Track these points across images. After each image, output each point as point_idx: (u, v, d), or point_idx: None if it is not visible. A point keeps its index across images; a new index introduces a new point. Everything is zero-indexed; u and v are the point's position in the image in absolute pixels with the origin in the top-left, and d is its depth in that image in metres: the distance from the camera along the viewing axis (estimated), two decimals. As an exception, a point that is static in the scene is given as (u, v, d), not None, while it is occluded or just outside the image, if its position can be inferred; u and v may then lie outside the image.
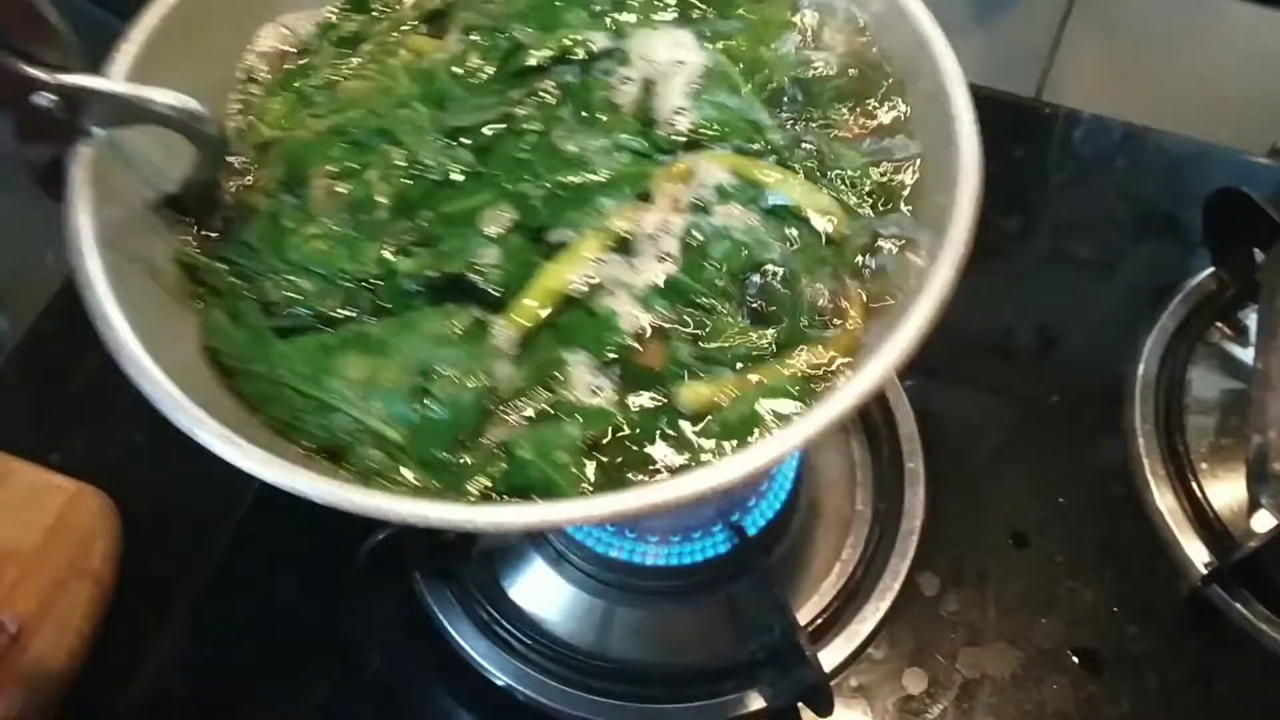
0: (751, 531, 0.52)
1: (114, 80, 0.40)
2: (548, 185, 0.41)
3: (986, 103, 0.71)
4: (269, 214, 0.42)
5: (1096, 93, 0.77)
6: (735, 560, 0.53)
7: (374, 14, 0.48)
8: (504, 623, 0.53)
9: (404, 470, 0.37)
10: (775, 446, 0.34)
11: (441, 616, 0.53)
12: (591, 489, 0.36)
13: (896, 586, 0.54)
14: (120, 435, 0.62)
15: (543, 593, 0.55)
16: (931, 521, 0.56)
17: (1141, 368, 0.62)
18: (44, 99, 0.36)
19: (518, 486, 0.36)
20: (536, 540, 0.55)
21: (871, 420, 0.59)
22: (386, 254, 0.40)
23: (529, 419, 0.38)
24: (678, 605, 0.54)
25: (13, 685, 0.51)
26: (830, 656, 0.52)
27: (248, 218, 0.42)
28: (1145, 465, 0.59)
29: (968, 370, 0.63)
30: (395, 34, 0.47)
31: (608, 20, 0.46)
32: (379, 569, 0.53)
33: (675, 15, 0.46)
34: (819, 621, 0.53)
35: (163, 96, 0.39)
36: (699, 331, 0.39)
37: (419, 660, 0.54)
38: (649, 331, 0.39)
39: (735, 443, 0.36)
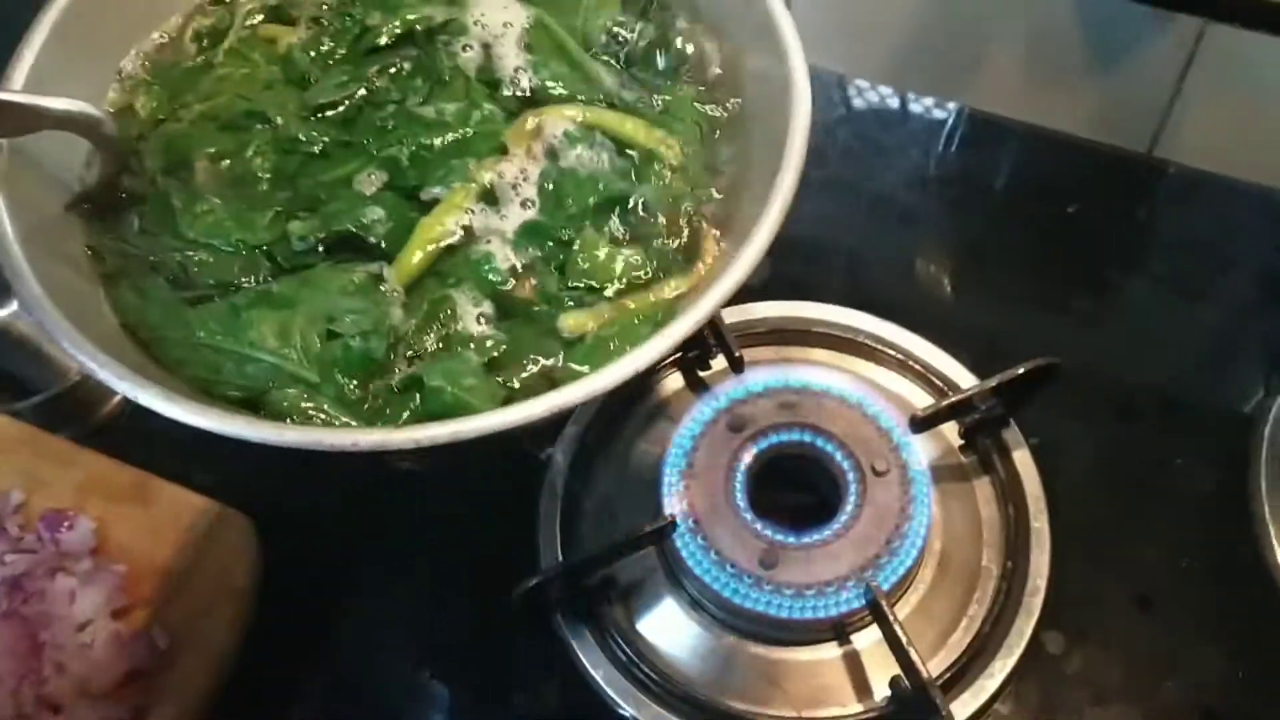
0: (885, 587, 0.54)
1: (12, 92, 0.43)
2: (412, 148, 0.46)
3: (1099, 158, 0.73)
4: (158, 198, 0.46)
5: (1214, 149, 0.77)
6: (868, 614, 0.55)
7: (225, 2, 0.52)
8: (639, 664, 0.55)
9: (327, 409, 0.41)
10: (632, 362, 0.38)
11: (581, 656, 0.56)
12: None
13: (1022, 644, 0.55)
14: (259, 458, 0.65)
15: (677, 636, 0.57)
16: (1057, 581, 0.57)
17: (1267, 430, 0.63)
18: None
19: (435, 414, 0.40)
20: (673, 586, 0.57)
21: (998, 479, 0.60)
22: (276, 221, 0.44)
23: (430, 354, 0.42)
24: (808, 655, 0.56)
25: (163, 701, 0.54)
26: (958, 711, 0.53)
27: (141, 206, 0.46)
28: (1270, 529, 0.59)
29: (1092, 431, 0.63)
30: (248, 25, 0.51)
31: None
32: (525, 612, 0.55)
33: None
34: (947, 675, 0.55)
35: (59, 103, 0.42)
36: (563, 263, 0.44)
37: (559, 697, 0.56)
38: (520, 269, 0.44)
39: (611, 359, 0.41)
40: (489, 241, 0.45)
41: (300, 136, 0.47)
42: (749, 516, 0.55)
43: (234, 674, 0.57)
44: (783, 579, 0.53)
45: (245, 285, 0.44)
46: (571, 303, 0.44)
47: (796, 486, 0.58)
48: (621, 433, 0.61)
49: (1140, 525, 0.61)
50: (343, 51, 0.50)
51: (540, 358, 0.43)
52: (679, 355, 0.62)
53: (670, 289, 0.44)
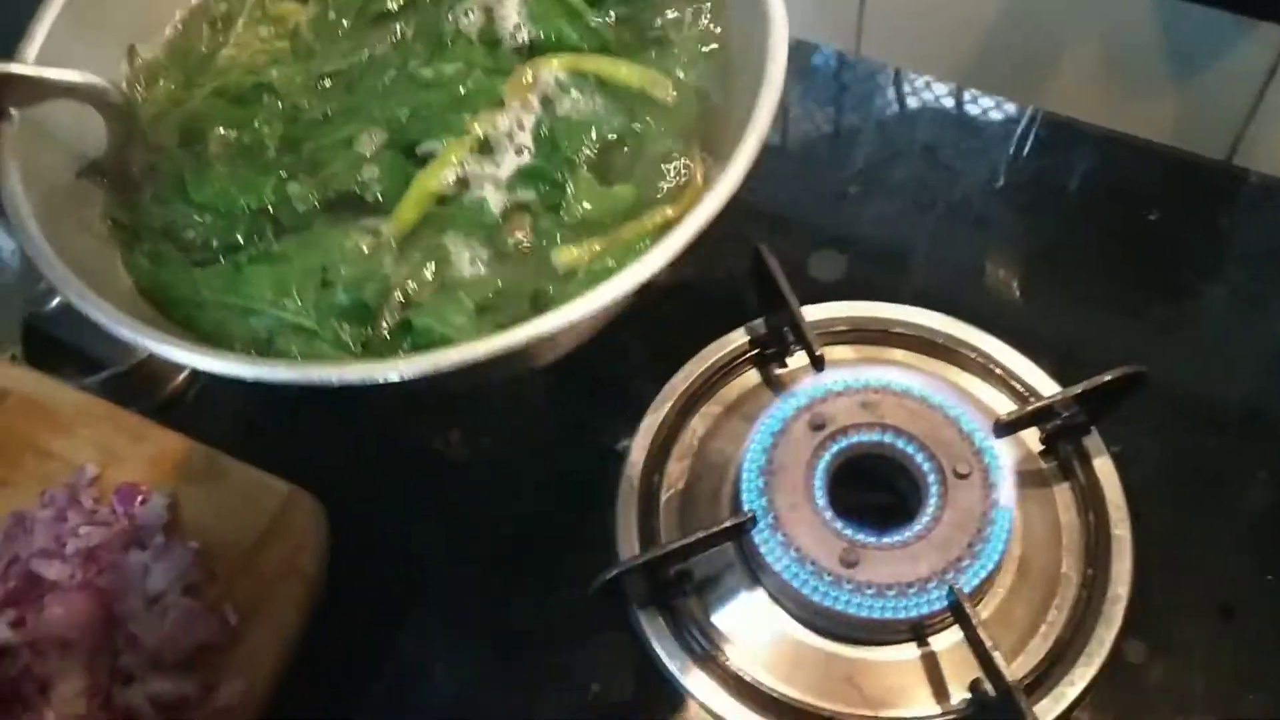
0: (967, 589, 0.53)
1: (20, 64, 0.45)
2: (411, 107, 0.48)
3: (1176, 165, 0.72)
4: (170, 169, 0.48)
5: (1295, 159, 0.76)
6: (948, 616, 0.54)
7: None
8: (714, 656, 0.55)
9: (326, 353, 0.43)
10: (620, 283, 0.39)
11: (656, 646, 0.55)
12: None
13: (1104, 652, 0.54)
14: (326, 441, 0.65)
15: (752, 630, 0.56)
16: (1138, 589, 0.56)
17: (1353, 443, 0.62)
18: None
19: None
20: (750, 581, 0.57)
21: (1078, 485, 0.60)
22: (280, 184, 0.47)
23: (425, 299, 0.44)
24: (885, 655, 0.56)
25: (232, 677, 0.54)
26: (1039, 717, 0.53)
27: (155, 177, 0.48)
28: (1354, 541, 0.58)
29: (1174, 440, 0.63)
30: (260, 8, 0.53)
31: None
32: (601, 603, 0.55)
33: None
34: (1027, 681, 0.54)
35: (66, 75, 0.45)
36: (559, 204, 0.45)
37: (634, 687, 0.56)
38: (514, 212, 0.46)
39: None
40: (483, 189, 0.46)
41: (304, 104, 0.49)
42: (829, 515, 0.54)
43: (301, 656, 0.57)
44: (864, 578, 0.53)
45: (249, 247, 0.46)
46: (564, 241, 0.45)
47: (874, 486, 0.57)
48: (695, 427, 0.61)
49: (1223, 536, 0.60)
50: (348, 23, 0.52)
51: (533, 294, 0.44)
52: (755, 351, 0.62)
53: (661, 217, 0.45)
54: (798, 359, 0.62)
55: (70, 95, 0.45)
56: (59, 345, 0.67)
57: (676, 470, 0.59)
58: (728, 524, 0.53)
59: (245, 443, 0.62)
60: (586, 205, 0.46)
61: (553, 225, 0.46)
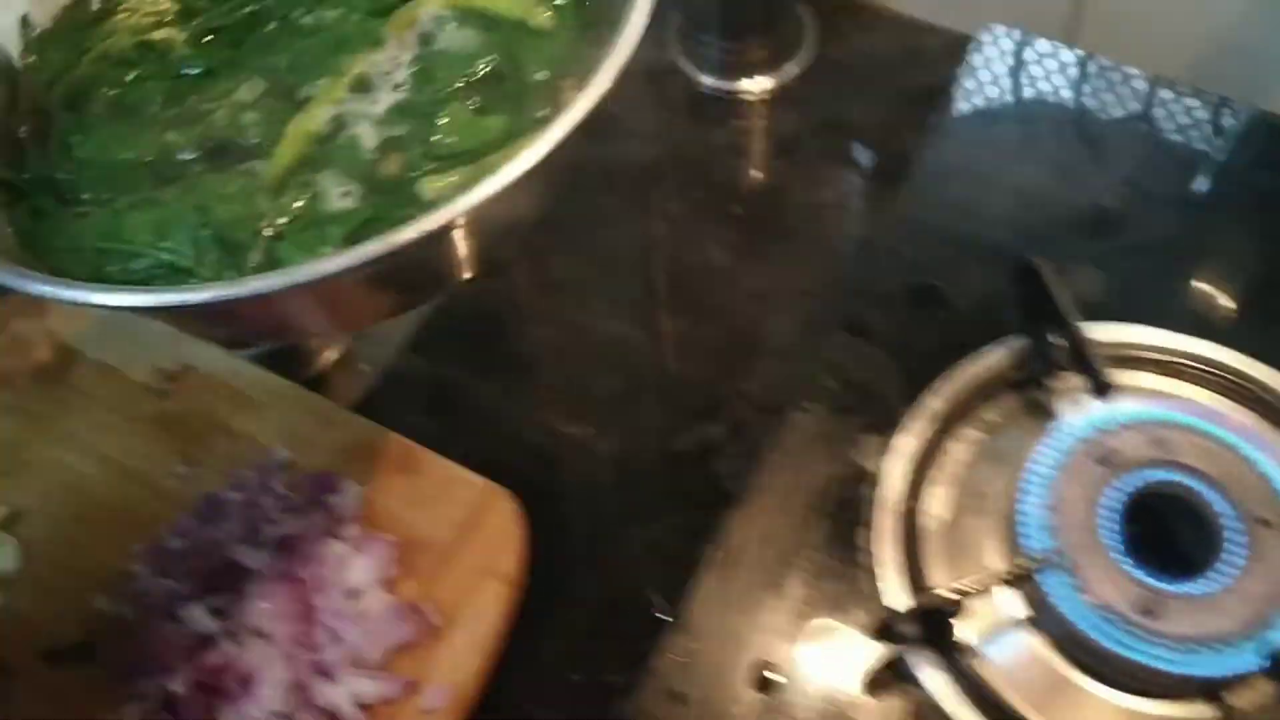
0: (1285, 657, 0.47)
1: None
2: (292, 54, 0.49)
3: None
4: (55, 130, 0.49)
5: None
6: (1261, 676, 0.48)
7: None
8: (986, 694, 0.50)
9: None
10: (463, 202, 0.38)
11: (925, 679, 0.50)
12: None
13: None
14: (520, 437, 0.62)
15: (1028, 672, 0.51)
16: None
17: None
18: None
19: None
20: (1030, 623, 0.51)
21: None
22: (159, 136, 0.47)
23: (293, 232, 0.44)
24: (1174, 710, 0.50)
25: (435, 677, 0.51)
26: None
27: (40, 138, 0.49)
28: None
29: None
30: None
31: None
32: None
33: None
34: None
35: None
36: (433, 137, 0.46)
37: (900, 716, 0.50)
38: (387, 146, 0.46)
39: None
40: (359, 126, 0.47)
41: (187, 61, 0.50)
42: (1123, 559, 0.48)
43: (502, 661, 0.53)
44: (1166, 630, 0.47)
45: (129, 195, 0.47)
46: (434, 172, 0.45)
47: (1159, 529, 0.52)
48: (954, 452, 0.56)
49: None
50: None
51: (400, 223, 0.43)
52: (1018, 373, 0.56)
53: (528, 144, 0.43)
54: (1065, 383, 0.56)
55: None
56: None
57: (937, 499, 0.53)
58: (1016, 566, 0.47)
59: (441, 438, 0.59)
60: (455, 137, 0.46)
61: (421, 157, 0.46)
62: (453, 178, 0.45)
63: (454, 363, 0.65)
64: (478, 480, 0.58)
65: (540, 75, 0.48)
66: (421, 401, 0.64)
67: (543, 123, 0.42)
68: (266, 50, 0.50)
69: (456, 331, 0.66)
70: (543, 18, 0.49)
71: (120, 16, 0.53)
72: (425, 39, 0.49)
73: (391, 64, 0.48)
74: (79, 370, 0.63)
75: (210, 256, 0.44)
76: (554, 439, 0.62)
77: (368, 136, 0.47)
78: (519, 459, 0.60)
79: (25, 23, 0.53)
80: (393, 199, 0.45)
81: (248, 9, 0.51)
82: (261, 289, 0.38)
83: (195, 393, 0.62)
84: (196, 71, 0.50)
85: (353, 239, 0.43)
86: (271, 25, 0.51)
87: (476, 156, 0.45)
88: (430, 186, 0.45)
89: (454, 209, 0.39)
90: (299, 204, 0.45)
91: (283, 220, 0.45)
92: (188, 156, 0.48)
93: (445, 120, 0.47)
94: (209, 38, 0.51)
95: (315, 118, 0.47)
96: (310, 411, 0.61)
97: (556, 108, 0.45)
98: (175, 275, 0.44)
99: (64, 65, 0.52)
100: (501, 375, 0.65)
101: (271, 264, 0.43)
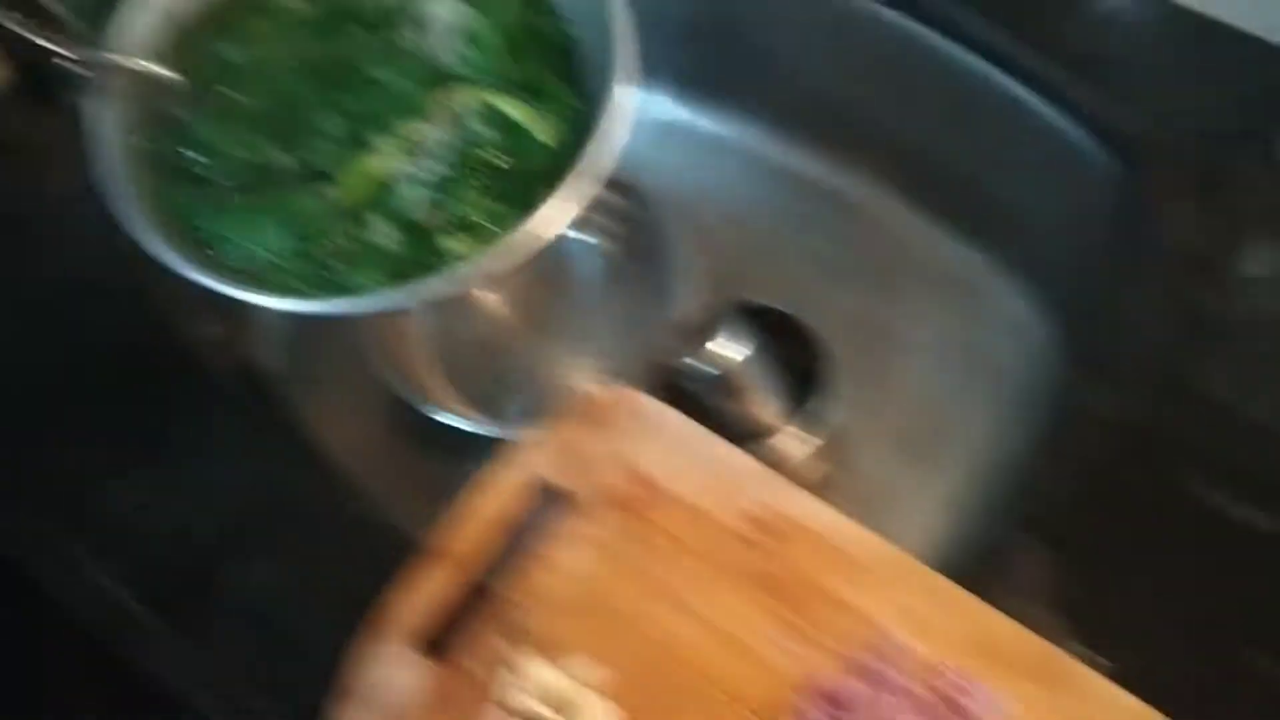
0: None
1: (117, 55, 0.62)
2: (364, 102, 0.64)
3: None
4: (195, 120, 0.65)
5: None
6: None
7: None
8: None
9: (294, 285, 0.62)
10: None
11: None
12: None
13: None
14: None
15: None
16: None
17: None
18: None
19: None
20: None
21: None
22: (266, 147, 0.64)
23: (352, 256, 0.62)
24: None
25: None
26: None
27: (184, 120, 0.65)
28: None
29: None
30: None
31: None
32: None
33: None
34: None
35: (151, 66, 0.64)
36: (455, 204, 0.63)
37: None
38: (423, 205, 0.63)
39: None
40: (406, 181, 0.63)
41: (288, 81, 0.65)
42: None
43: None
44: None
45: (247, 192, 0.64)
46: (455, 230, 0.63)
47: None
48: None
49: None
50: (327, 16, 0.67)
51: (432, 269, 0.61)
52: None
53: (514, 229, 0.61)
54: None
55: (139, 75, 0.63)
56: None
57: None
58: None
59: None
60: (469, 209, 0.63)
61: (445, 220, 0.63)
62: (466, 240, 0.62)
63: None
64: (1136, 705, 0.47)
65: (535, 174, 0.64)
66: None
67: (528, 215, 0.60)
68: (345, 91, 0.65)
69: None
70: (545, 134, 0.65)
71: (246, 25, 0.68)
72: (458, 122, 0.64)
73: (434, 136, 0.64)
74: (660, 506, 0.58)
75: (297, 262, 0.62)
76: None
77: (409, 194, 0.63)
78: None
79: (169, 19, 0.67)
80: (426, 249, 0.63)
81: (339, 47, 0.67)
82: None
83: (793, 548, 0.55)
84: (293, 93, 0.65)
85: (398, 275, 0.61)
86: (355, 66, 0.66)
87: (484, 229, 0.63)
88: (449, 244, 0.62)
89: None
90: (358, 235, 0.63)
91: (344, 244, 0.63)
92: (285, 169, 0.64)
93: (465, 192, 0.64)
94: (307, 66, 0.66)
95: (378, 166, 0.63)
96: (926, 589, 0.53)
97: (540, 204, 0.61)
98: (274, 271, 0.62)
99: (193, 57, 0.66)
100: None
101: (336, 281, 0.62)
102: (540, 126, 0.64)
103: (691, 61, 0.94)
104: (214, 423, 0.72)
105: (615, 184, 0.87)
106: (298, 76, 0.66)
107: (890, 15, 0.82)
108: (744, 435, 0.71)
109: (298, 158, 0.64)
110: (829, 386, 0.73)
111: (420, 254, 0.62)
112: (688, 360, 0.73)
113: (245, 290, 0.59)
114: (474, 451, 0.68)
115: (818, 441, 0.72)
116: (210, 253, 0.62)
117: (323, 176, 0.63)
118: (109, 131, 0.62)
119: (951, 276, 0.88)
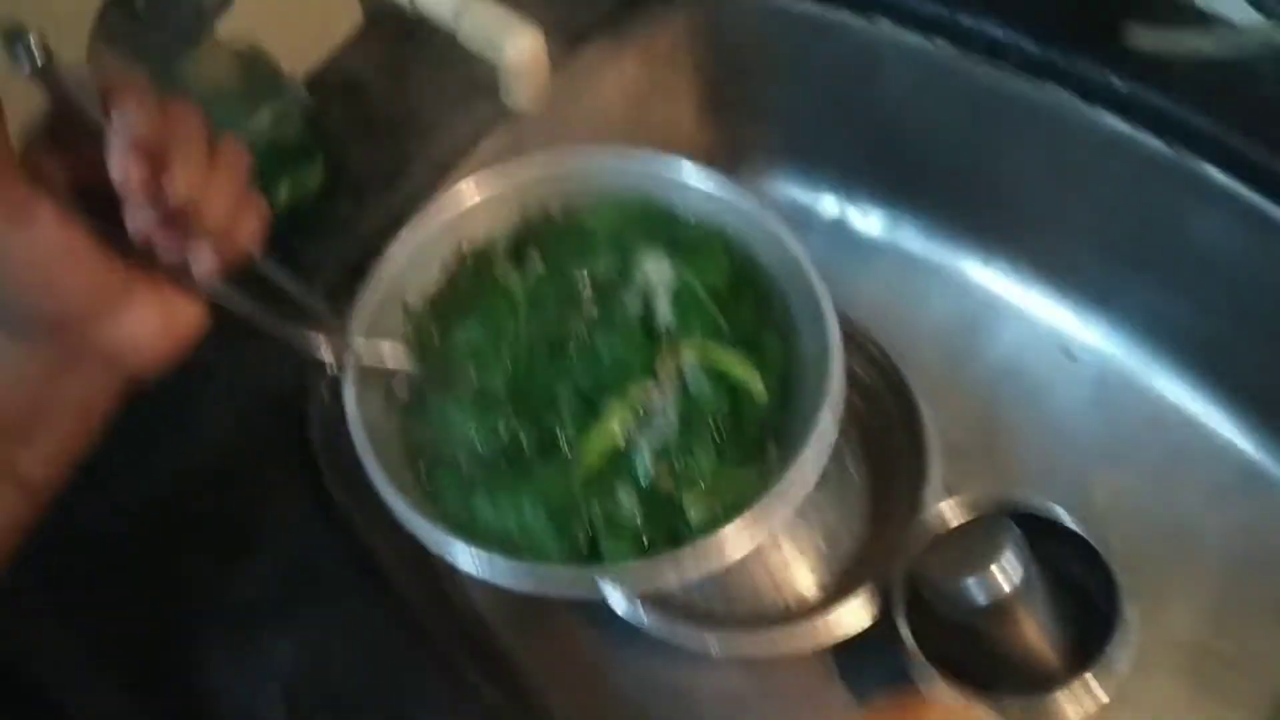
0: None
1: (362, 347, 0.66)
2: (592, 373, 0.68)
3: None
4: (436, 401, 0.69)
5: None
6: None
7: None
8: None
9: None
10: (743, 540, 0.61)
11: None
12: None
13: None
14: None
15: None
16: None
17: None
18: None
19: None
20: None
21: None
22: (507, 425, 0.67)
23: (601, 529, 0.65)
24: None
25: None
26: None
27: (425, 401, 0.69)
28: None
29: None
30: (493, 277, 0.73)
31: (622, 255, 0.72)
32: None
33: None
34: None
35: (389, 358, 0.67)
36: (689, 462, 0.66)
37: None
38: (660, 467, 0.66)
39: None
40: (639, 448, 0.66)
41: (522, 358, 0.69)
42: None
43: None
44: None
45: (489, 470, 0.67)
46: (689, 494, 0.65)
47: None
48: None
49: None
50: (554, 294, 0.71)
51: (675, 537, 0.64)
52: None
53: (756, 488, 0.63)
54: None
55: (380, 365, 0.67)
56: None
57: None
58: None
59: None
60: (705, 469, 0.66)
61: (684, 483, 0.66)
62: (703, 502, 0.64)
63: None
64: None
65: (754, 428, 0.68)
66: None
67: (757, 469, 0.65)
68: (575, 364, 0.68)
69: None
70: (759, 390, 0.68)
71: (473, 301, 0.72)
72: (682, 380, 0.67)
73: (661, 398, 0.67)
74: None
75: (550, 538, 0.64)
76: None
77: (646, 459, 0.66)
78: None
79: (406, 307, 0.72)
80: (664, 514, 0.65)
81: (565, 323, 0.70)
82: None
83: None
84: (527, 370, 0.69)
85: (641, 541, 0.64)
86: (579, 340, 0.69)
87: (721, 490, 0.65)
88: (695, 513, 0.64)
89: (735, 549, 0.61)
90: (603, 506, 0.65)
91: (593, 516, 0.65)
92: (525, 445, 0.67)
93: (695, 451, 0.66)
94: (538, 343, 0.70)
95: (611, 434, 0.66)
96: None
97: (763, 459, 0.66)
98: (520, 547, 0.64)
99: (429, 340, 0.71)
100: None
101: (595, 554, 0.64)
102: (756, 378, 0.68)
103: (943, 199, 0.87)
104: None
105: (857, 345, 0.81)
106: (528, 351, 0.69)
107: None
108: (1015, 683, 0.64)
109: (537, 432, 0.67)
110: (1119, 625, 0.64)
111: (660, 517, 0.64)
112: (946, 580, 0.66)
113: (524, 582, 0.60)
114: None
115: (1104, 699, 0.63)
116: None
117: (560, 448, 0.66)
118: (360, 418, 0.64)
119: (1246, 468, 0.77)
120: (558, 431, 0.66)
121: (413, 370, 0.68)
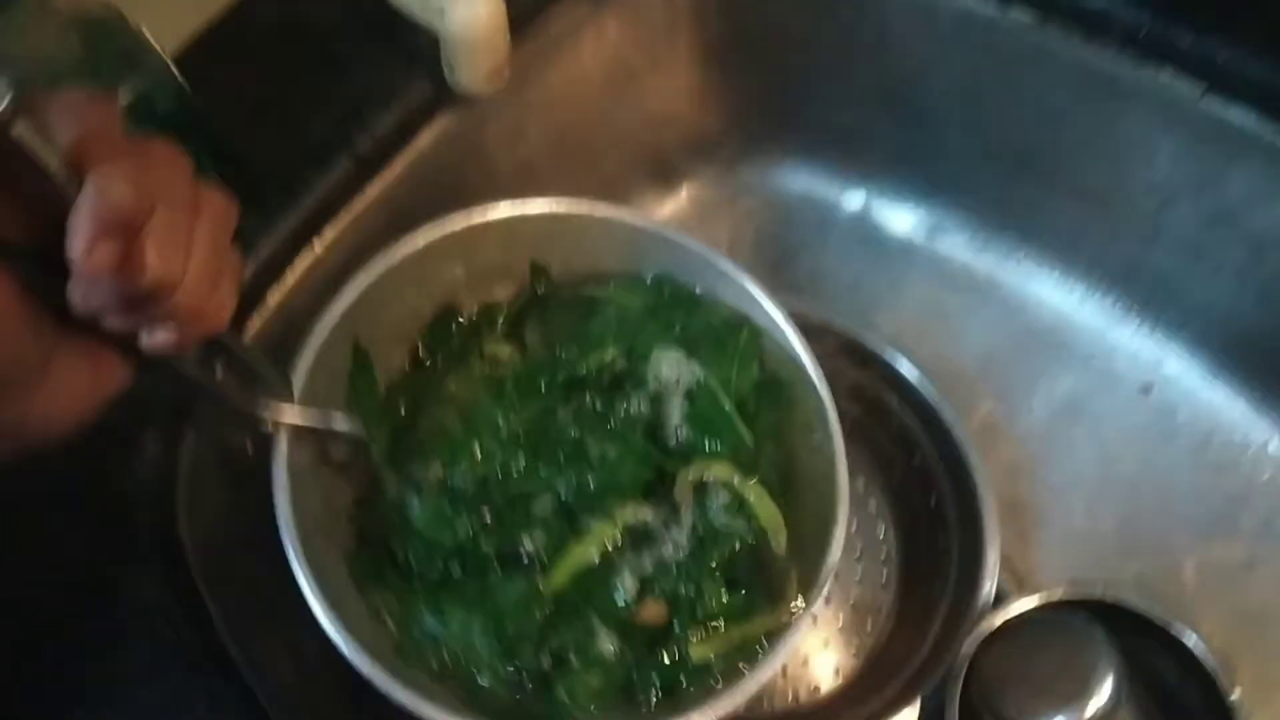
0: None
1: (300, 414, 0.53)
2: (578, 480, 0.57)
3: None
4: (396, 498, 0.57)
5: None
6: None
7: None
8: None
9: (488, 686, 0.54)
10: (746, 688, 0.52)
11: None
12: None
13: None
14: None
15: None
16: None
17: None
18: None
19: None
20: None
21: None
22: (470, 529, 0.56)
23: (566, 663, 0.54)
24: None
25: None
26: None
27: (380, 493, 0.58)
28: None
29: None
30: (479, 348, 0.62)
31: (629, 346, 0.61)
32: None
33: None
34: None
35: (340, 424, 0.55)
36: (693, 600, 0.55)
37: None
38: (648, 600, 0.55)
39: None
40: (623, 574, 0.56)
41: (498, 454, 0.57)
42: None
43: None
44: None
45: (446, 581, 0.56)
46: (695, 635, 0.55)
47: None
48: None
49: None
50: (545, 382, 0.60)
51: (664, 682, 0.54)
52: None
53: (763, 626, 0.55)
54: None
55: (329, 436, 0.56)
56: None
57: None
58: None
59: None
60: (714, 606, 0.56)
61: (686, 619, 0.55)
62: (712, 646, 0.55)
63: None
64: None
65: (771, 564, 0.58)
66: None
67: (773, 605, 0.56)
68: (558, 466, 0.57)
69: None
70: (779, 541, 0.58)
71: (449, 383, 0.60)
72: (701, 505, 0.58)
73: (670, 521, 0.57)
74: None
75: (498, 663, 0.54)
76: None
77: (628, 587, 0.56)
78: None
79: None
80: (656, 654, 0.55)
81: (553, 418, 0.59)
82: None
83: None
84: (503, 467, 0.57)
85: (622, 687, 0.54)
86: (568, 441, 0.58)
87: (726, 628, 0.56)
88: (699, 652, 0.55)
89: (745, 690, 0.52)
90: (571, 636, 0.55)
91: (557, 645, 0.55)
92: (487, 554, 0.56)
93: (709, 590, 0.56)
94: (519, 437, 0.58)
95: (588, 553, 0.56)
96: None
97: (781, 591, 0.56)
98: (461, 670, 0.54)
99: (395, 422, 0.59)
100: None
101: (547, 689, 0.54)
102: (781, 529, 0.58)
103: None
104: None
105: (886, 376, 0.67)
106: (506, 447, 0.58)
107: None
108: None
109: (504, 541, 0.56)
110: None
111: (647, 660, 0.54)
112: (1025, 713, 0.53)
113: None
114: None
115: None
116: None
117: (530, 565, 0.56)
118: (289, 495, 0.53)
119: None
120: (528, 545, 0.56)
121: (364, 441, 0.57)
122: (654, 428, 0.59)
